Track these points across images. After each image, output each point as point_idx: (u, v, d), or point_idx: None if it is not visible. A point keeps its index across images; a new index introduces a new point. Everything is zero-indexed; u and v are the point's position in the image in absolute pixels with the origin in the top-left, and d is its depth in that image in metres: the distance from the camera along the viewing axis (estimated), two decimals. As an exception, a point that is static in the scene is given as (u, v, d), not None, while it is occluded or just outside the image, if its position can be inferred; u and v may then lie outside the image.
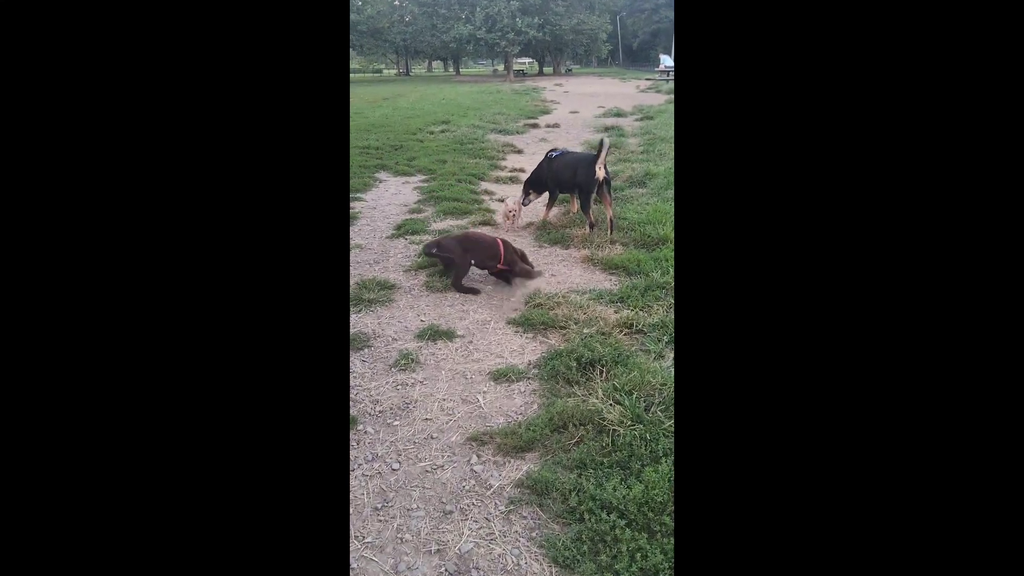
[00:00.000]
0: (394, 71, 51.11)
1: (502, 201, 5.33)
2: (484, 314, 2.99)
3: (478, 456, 1.91)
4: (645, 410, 2.01)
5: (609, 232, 4.13)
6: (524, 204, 4.63)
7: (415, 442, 1.99)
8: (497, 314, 2.98)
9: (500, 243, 3.30)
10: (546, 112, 13.41)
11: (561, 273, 3.52)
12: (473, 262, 3.28)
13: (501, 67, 42.07)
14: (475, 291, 3.25)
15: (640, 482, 1.67)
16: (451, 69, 48.33)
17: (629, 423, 1.94)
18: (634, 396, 2.08)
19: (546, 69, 42.32)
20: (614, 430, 1.92)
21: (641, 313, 2.81)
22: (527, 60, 43.00)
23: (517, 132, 9.95)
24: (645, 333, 2.64)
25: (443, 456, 1.92)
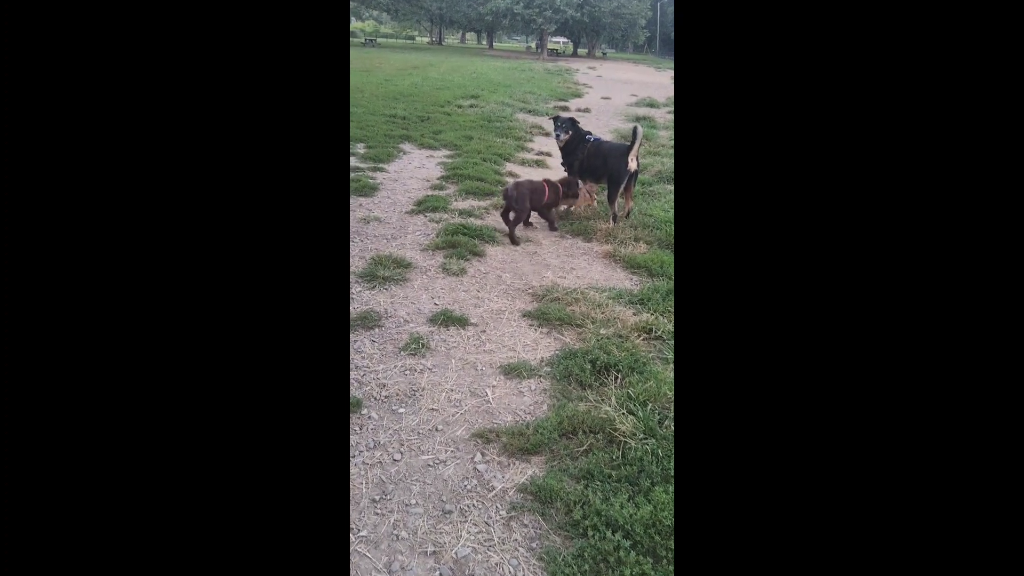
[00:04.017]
0: (427, 39, 50.55)
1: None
2: (499, 303, 2.91)
3: (482, 454, 1.85)
4: (659, 424, 1.94)
5: (625, 217, 4.16)
6: (556, 138, 4.43)
7: (419, 433, 1.94)
8: (513, 304, 2.90)
9: (546, 185, 3.88)
10: (578, 95, 13.15)
11: (581, 267, 3.43)
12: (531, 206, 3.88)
13: (535, 45, 41.39)
14: (517, 241, 3.74)
15: (649, 502, 1.60)
16: (484, 42, 47.63)
17: (642, 436, 1.87)
18: (649, 408, 2.00)
19: (580, 51, 41.58)
20: (625, 442, 1.85)
21: (661, 318, 2.72)
22: (562, 40, 42.22)
23: (546, 114, 9.75)
24: (664, 340, 2.55)
25: (447, 451, 1.86)
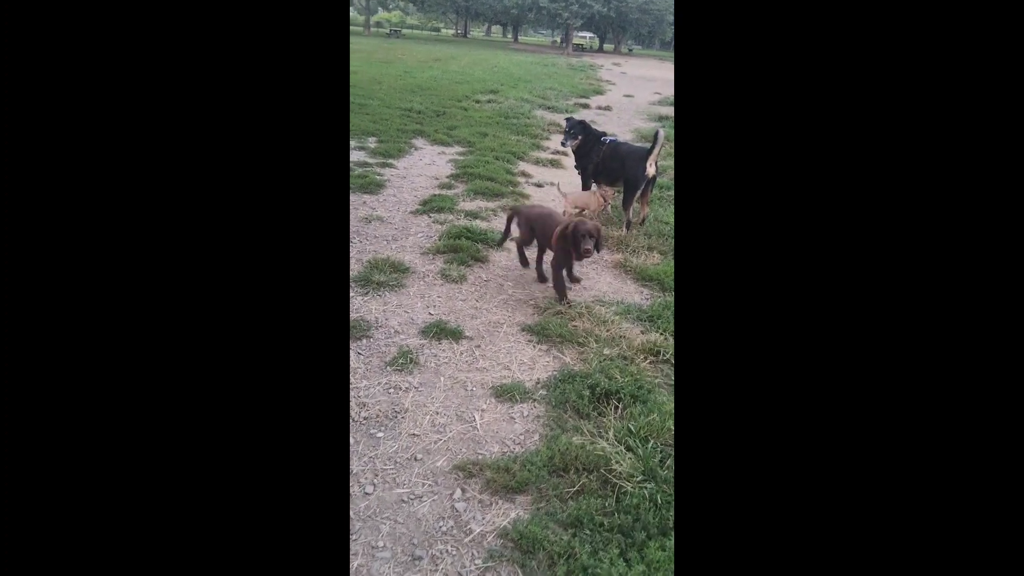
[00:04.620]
0: (452, 31, 50.43)
1: (539, 186, 5.05)
2: (498, 315, 2.74)
3: (463, 490, 1.69)
4: (660, 464, 1.75)
5: (639, 224, 3.97)
6: (563, 145, 4.29)
7: (396, 462, 1.78)
8: (512, 317, 2.73)
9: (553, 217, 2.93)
10: (600, 92, 12.88)
11: (589, 278, 3.24)
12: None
13: (560, 39, 40.99)
14: (526, 263, 3.24)
15: (642, 559, 1.42)
16: (509, 35, 47.33)
17: (639, 479, 1.69)
18: (650, 445, 1.82)
19: (607, 47, 41.08)
20: (621, 485, 1.67)
21: (670, 339, 2.52)
22: (588, 35, 41.71)
23: (566, 111, 9.52)
24: (672, 364, 2.36)
25: (424, 484, 1.70)
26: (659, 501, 1.61)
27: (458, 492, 1.68)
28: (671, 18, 36.39)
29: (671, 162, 5.93)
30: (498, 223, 3.95)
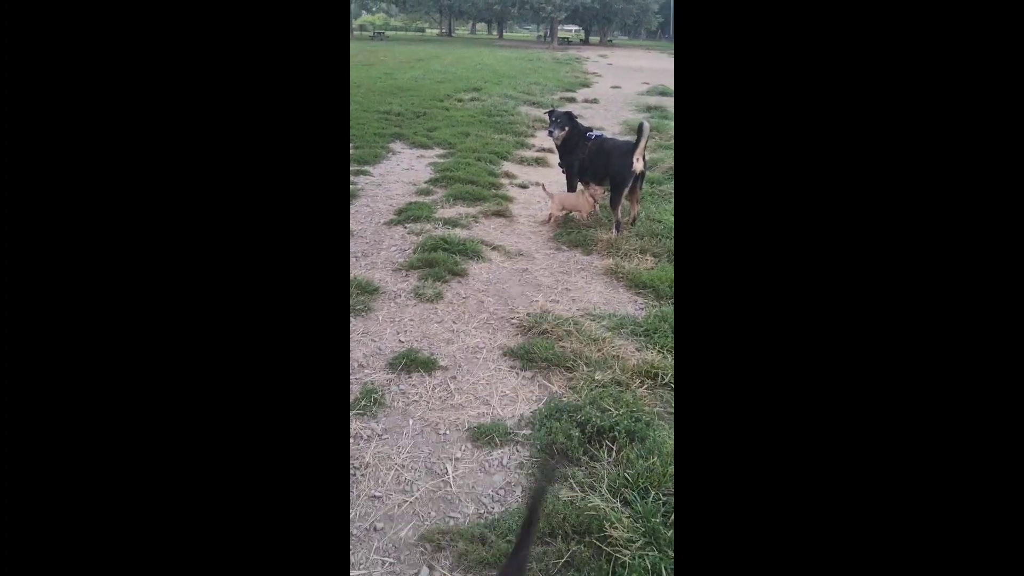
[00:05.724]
0: (436, 31, 50.10)
1: (524, 187, 4.77)
2: (477, 338, 2.46)
3: (430, 568, 1.41)
4: (663, 522, 1.47)
5: (630, 224, 3.70)
6: (550, 135, 4.00)
7: (352, 536, 1.50)
8: (493, 339, 2.45)
9: None
10: (586, 85, 12.57)
11: (578, 287, 2.96)
12: None
13: (545, 34, 40.65)
14: None
15: (646, 660, 1.15)
16: (495, 32, 47.01)
17: (639, 544, 1.41)
18: (651, 498, 1.54)
19: (592, 39, 40.76)
20: (617, 556, 1.39)
21: (668, 357, 2.24)
22: (573, 28, 41.36)
23: (551, 106, 9.22)
24: (671, 389, 2.08)
25: (384, 564, 1.42)
26: (663, 573, 1.33)
27: (424, 571, 1.40)
28: (656, 7, 36.07)
29: (661, 155, 5.65)
30: (479, 230, 3.67)
